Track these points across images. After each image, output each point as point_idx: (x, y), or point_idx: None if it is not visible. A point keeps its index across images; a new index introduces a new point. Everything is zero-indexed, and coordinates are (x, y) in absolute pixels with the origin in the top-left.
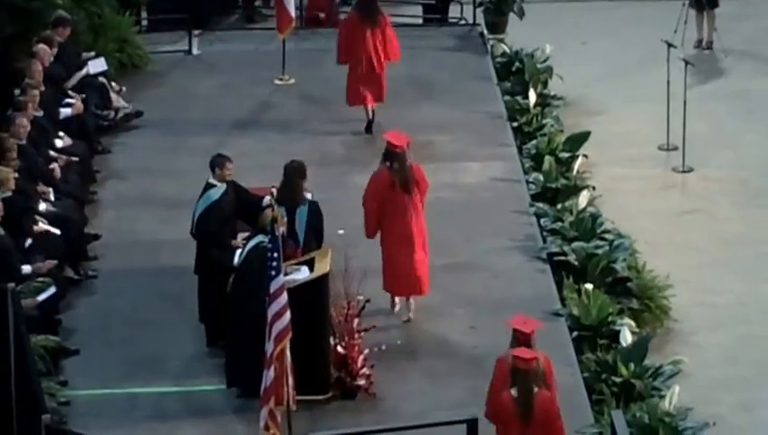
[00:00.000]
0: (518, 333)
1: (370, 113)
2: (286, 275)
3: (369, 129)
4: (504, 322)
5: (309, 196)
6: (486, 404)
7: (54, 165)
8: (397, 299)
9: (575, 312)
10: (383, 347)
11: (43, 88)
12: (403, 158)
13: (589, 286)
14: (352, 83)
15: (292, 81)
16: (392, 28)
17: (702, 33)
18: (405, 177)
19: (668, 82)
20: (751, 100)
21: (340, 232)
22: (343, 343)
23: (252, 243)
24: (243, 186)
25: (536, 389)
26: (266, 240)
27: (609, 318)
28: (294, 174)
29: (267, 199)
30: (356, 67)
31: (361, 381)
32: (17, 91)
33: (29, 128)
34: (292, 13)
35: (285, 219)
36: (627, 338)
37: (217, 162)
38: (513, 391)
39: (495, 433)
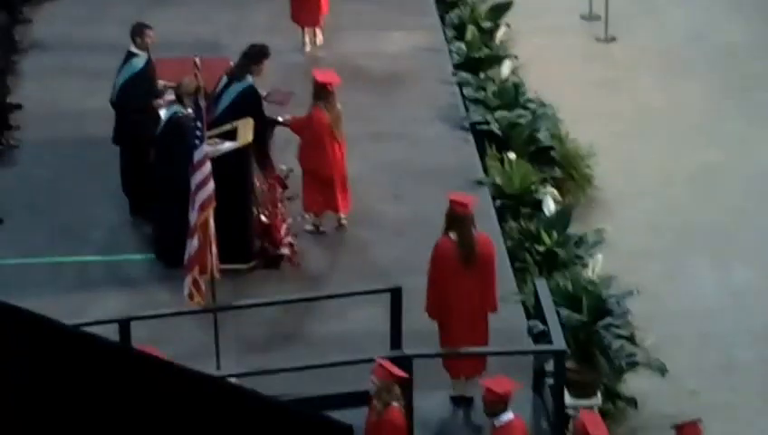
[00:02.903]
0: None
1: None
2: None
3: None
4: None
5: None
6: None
7: None
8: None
9: (498, 181)
10: (306, 217)
11: None
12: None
13: (512, 155)
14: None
15: None
16: None
17: None
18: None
19: None
20: None
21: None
22: (266, 213)
23: (168, 112)
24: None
25: (475, 231)
26: (182, 110)
27: (532, 187)
28: (246, 54)
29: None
30: None
31: (285, 251)
32: None
33: None
34: None
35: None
36: (550, 207)
37: (137, 31)
38: (453, 236)
39: (428, 286)
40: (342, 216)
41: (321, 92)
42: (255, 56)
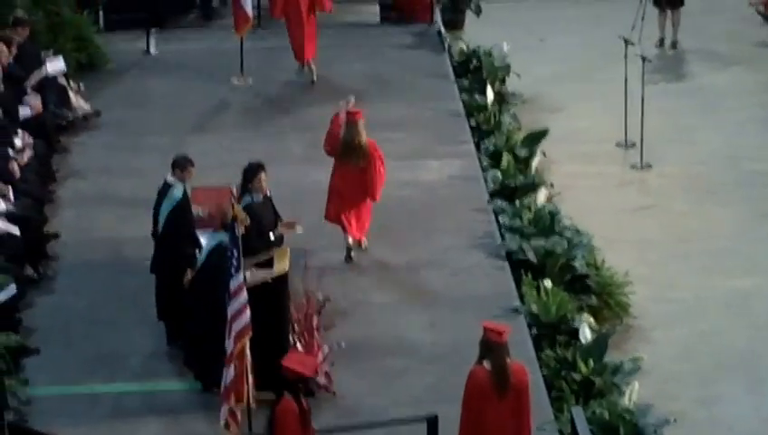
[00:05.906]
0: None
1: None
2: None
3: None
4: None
5: (268, 192)
6: None
7: (14, 164)
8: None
9: (534, 309)
10: (343, 345)
11: (2, 88)
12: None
13: (548, 283)
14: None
15: (250, 80)
16: None
17: (664, 32)
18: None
19: (626, 79)
20: (708, 96)
21: (299, 231)
22: (303, 341)
23: (214, 241)
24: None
25: (509, 360)
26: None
27: (569, 315)
28: (245, 177)
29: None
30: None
31: (321, 379)
32: None
33: None
34: (250, 12)
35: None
36: (586, 335)
37: (181, 164)
38: (486, 365)
39: (461, 415)
40: (352, 241)
41: (345, 122)
42: (252, 175)
